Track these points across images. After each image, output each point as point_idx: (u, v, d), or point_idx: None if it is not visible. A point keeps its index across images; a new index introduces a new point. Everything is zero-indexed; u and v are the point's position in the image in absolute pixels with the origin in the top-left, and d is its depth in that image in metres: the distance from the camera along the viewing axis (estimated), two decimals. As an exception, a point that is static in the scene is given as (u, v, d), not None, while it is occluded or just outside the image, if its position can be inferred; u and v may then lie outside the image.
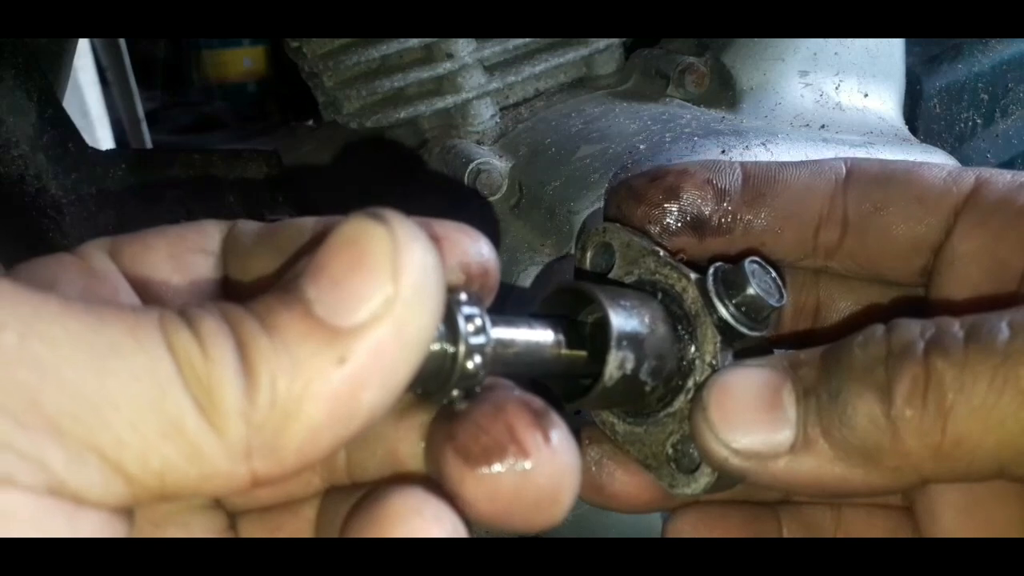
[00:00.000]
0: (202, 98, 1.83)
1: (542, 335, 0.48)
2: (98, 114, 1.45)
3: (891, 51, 1.01)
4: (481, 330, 0.43)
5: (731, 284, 0.51)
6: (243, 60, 1.78)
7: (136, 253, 0.45)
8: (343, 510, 0.43)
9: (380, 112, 1.05)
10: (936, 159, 0.91)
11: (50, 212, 0.95)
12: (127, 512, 0.36)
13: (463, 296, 0.43)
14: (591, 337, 0.50)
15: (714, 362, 0.51)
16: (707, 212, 0.55)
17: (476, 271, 0.46)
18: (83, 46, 1.44)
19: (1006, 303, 0.44)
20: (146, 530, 0.42)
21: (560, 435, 0.41)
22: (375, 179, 1.12)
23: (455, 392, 0.43)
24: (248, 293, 0.39)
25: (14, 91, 0.91)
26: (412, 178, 1.06)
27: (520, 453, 0.40)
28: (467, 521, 0.41)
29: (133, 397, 0.33)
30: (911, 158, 0.81)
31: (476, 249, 0.46)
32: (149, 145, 1.56)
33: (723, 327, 0.51)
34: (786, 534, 0.57)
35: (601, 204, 0.85)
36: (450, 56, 1.02)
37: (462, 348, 0.42)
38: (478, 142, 1.03)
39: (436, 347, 0.42)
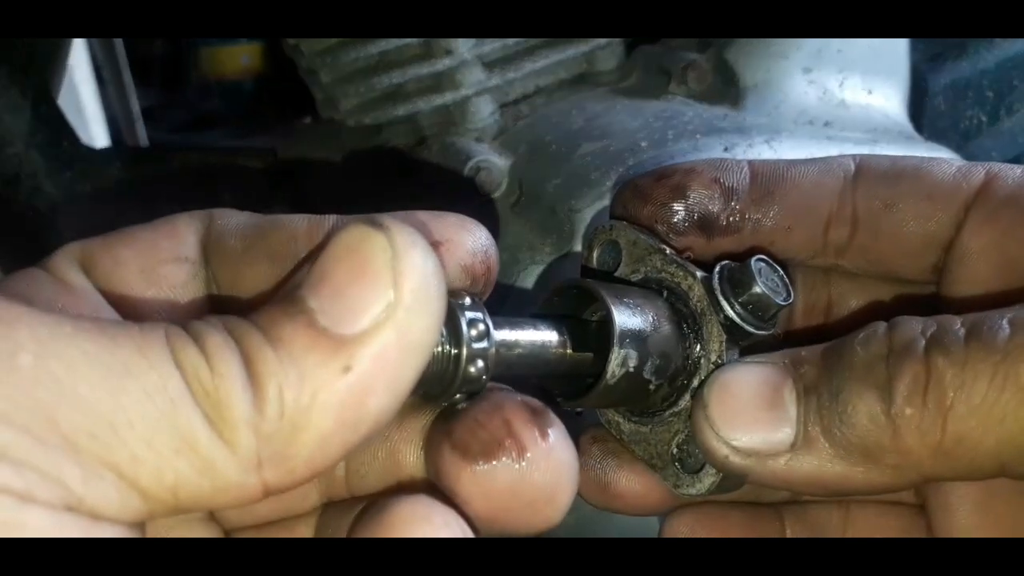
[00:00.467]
0: (199, 95, 1.82)
1: (546, 335, 0.48)
2: (93, 112, 1.45)
3: (895, 48, 1.00)
4: (484, 333, 0.43)
5: (737, 282, 0.51)
6: (240, 57, 1.77)
7: (107, 270, 0.46)
8: (343, 523, 0.43)
9: (378, 109, 1.05)
10: (942, 156, 0.90)
11: (45, 210, 0.94)
12: (140, 527, 0.36)
13: (466, 300, 0.43)
14: (596, 336, 0.50)
15: (719, 361, 0.50)
16: (715, 211, 0.54)
17: (479, 270, 0.46)
18: (78, 43, 1.43)
19: (1017, 299, 0.44)
20: None
21: (557, 433, 0.41)
22: (373, 176, 1.11)
23: (458, 395, 0.43)
24: (243, 304, 0.39)
25: (9, 89, 0.90)
26: (410, 176, 1.05)
27: (517, 449, 0.40)
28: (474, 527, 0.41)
29: (146, 414, 0.33)
30: (916, 155, 0.81)
31: (477, 247, 0.46)
32: (145, 143, 1.55)
33: (729, 326, 0.50)
34: (790, 534, 0.57)
35: (602, 202, 0.85)
36: (449, 52, 1.01)
37: (465, 351, 0.42)
38: (477, 139, 1.02)
39: (439, 350, 0.42)
